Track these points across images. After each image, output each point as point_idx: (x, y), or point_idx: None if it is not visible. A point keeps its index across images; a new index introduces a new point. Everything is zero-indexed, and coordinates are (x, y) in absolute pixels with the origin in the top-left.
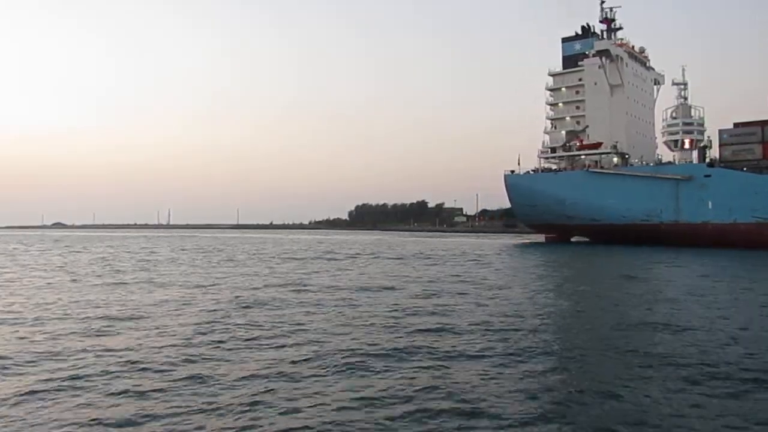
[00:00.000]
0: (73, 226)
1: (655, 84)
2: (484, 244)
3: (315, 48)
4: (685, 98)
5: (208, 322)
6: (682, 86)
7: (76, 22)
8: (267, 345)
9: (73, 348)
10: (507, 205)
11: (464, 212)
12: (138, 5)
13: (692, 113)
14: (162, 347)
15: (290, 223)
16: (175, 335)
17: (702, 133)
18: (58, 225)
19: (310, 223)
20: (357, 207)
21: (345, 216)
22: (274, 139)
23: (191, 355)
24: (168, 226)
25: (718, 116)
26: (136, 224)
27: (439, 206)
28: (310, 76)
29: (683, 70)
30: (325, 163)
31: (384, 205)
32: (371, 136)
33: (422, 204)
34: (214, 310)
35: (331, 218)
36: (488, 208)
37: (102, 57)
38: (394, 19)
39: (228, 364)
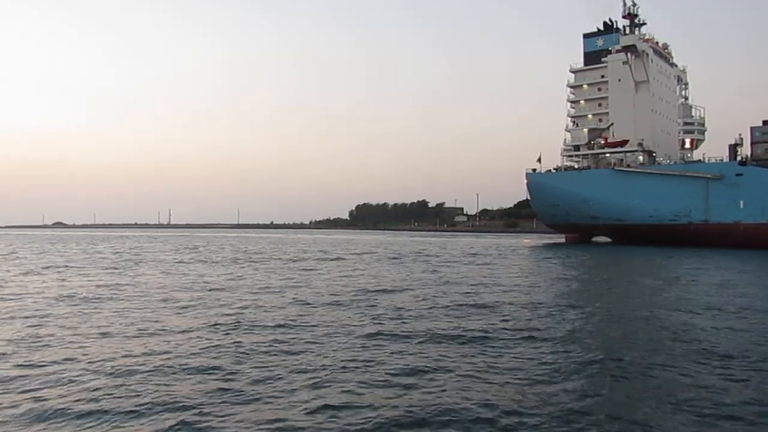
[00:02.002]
0: (73, 226)
1: (677, 81)
2: (510, 244)
3: (315, 47)
4: (686, 98)
5: None
6: (683, 86)
7: (76, 23)
8: None
9: None
10: (507, 204)
11: (465, 212)
12: (138, 7)
13: (693, 113)
14: None
15: (291, 222)
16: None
17: (703, 132)
18: (58, 225)
19: (310, 222)
20: (358, 207)
21: (345, 216)
22: (274, 139)
23: None
24: (168, 226)
25: (717, 116)
26: (136, 224)
27: (440, 206)
28: (311, 75)
29: (684, 70)
30: (325, 163)
31: (384, 204)
32: (371, 135)
33: (423, 204)
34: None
35: (332, 218)
36: (488, 207)
37: (102, 58)
38: (395, 19)
39: None
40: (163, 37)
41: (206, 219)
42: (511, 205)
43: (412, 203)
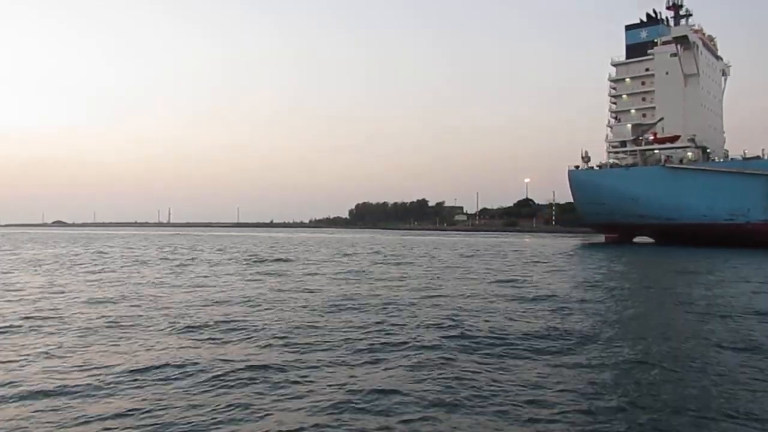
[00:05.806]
0: (73, 224)
1: (722, 75)
2: (548, 245)
3: (315, 47)
4: None
5: None
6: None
7: (76, 23)
8: None
9: None
10: (507, 203)
11: (464, 211)
12: (138, 7)
13: None
14: None
15: (290, 221)
16: None
17: None
18: (58, 223)
19: (310, 221)
20: (357, 206)
21: (345, 215)
22: (274, 139)
23: None
24: (168, 225)
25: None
26: (136, 222)
27: (440, 205)
28: (311, 75)
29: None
30: (325, 162)
31: (384, 203)
32: (371, 135)
33: (422, 203)
34: None
35: (331, 217)
36: (488, 207)
37: (102, 58)
38: (395, 19)
39: None
40: (163, 37)
41: (206, 218)
42: (511, 204)
43: (412, 202)
